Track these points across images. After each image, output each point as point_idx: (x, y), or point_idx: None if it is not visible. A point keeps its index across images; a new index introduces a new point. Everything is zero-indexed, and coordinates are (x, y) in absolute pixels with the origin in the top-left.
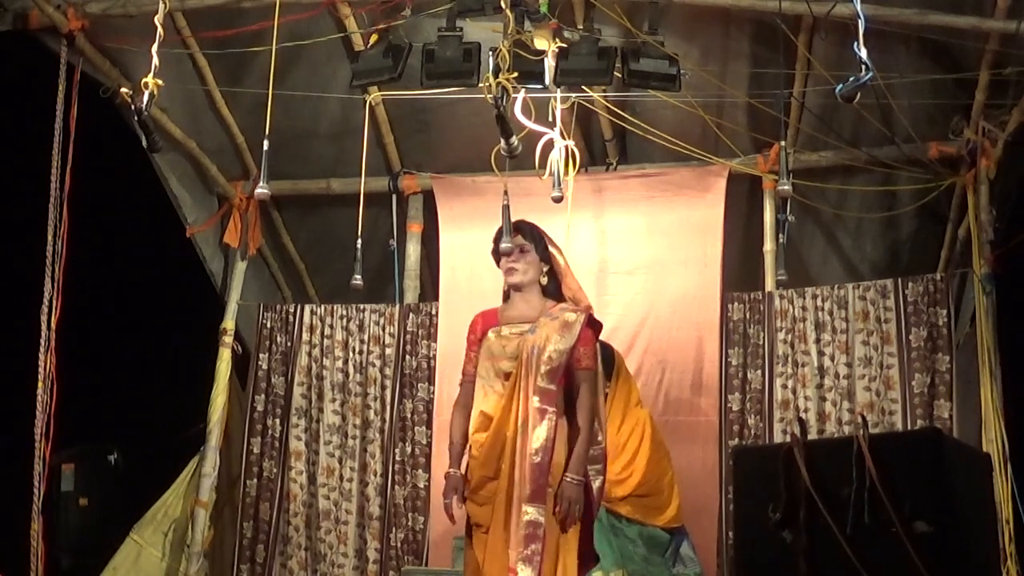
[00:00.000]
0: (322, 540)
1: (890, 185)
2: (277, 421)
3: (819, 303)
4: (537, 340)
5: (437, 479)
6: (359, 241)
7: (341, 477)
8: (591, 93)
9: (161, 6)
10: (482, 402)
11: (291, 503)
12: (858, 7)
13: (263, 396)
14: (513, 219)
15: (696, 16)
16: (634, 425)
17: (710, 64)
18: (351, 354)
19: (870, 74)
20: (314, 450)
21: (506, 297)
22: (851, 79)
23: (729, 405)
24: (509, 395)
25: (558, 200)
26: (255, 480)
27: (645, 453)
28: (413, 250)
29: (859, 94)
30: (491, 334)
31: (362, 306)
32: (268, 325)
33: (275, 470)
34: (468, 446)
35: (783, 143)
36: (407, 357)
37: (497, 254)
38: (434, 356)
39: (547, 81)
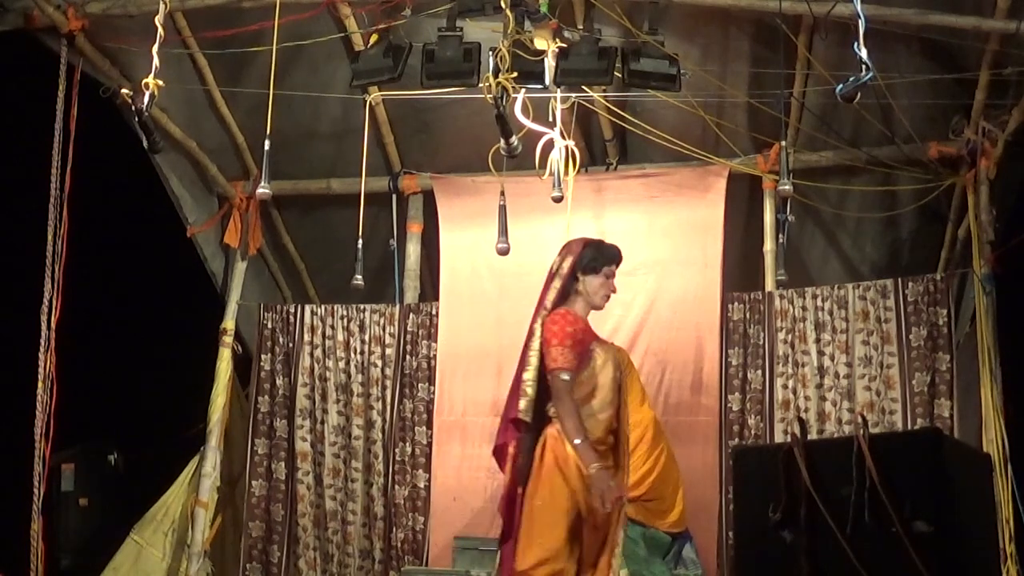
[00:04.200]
0: (330, 540)
1: (890, 185)
2: (284, 422)
3: (819, 303)
4: None
5: (437, 479)
6: (359, 241)
7: (346, 478)
8: (591, 93)
9: (161, 6)
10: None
11: (299, 503)
12: (858, 7)
13: (267, 397)
14: (513, 220)
15: (696, 16)
16: (646, 426)
17: (710, 64)
18: (352, 354)
19: (870, 74)
20: (319, 451)
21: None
22: (851, 79)
23: (729, 405)
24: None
25: (558, 200)
26: (261, 480)
27: (663, 457)
28: (413, 250)
29: (859, 94)
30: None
31: (362, 306)
32: (269, 326)
33: (283, 471)
34: None
35: (783, 143)
36: (407, 357)
37: (598, 265)
38: (434, 356)
39: (547, 81)
